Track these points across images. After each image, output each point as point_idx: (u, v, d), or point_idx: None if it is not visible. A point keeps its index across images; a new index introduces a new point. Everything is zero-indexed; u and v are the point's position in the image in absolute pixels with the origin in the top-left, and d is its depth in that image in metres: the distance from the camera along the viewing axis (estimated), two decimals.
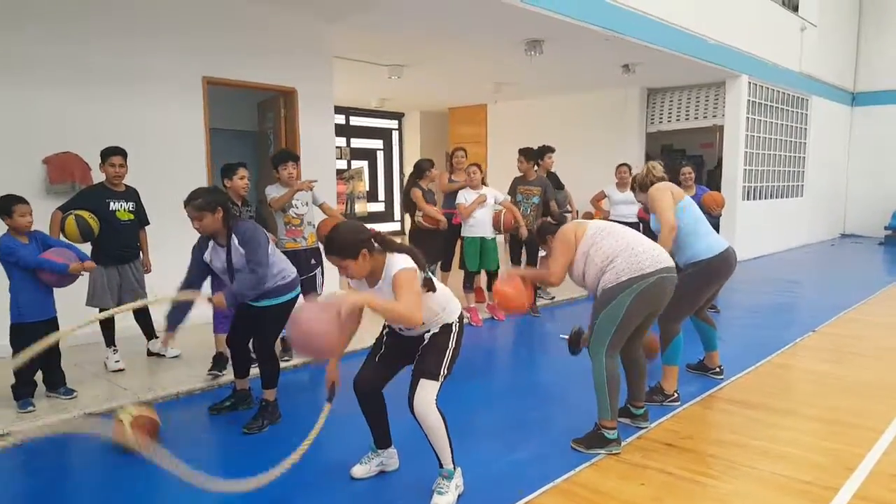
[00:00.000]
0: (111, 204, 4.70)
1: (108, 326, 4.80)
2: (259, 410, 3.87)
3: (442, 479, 2.91)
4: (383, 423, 3.16)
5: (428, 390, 2.82)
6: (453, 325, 2.95)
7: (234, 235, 3.64)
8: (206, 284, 3.87)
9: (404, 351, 3.02)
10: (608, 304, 3.38)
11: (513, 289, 3.58)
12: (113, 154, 4.68)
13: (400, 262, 2.76)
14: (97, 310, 4.69)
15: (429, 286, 2.81)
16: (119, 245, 4.73)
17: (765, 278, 9.47)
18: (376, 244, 2.79)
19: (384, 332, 3.13)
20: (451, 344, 2.92)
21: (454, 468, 2.93)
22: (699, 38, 9.33)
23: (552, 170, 7.64)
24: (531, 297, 3.74)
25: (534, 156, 7.29)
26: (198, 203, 3.51)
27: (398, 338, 3.06)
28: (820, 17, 12.85)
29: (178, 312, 3.56)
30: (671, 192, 4.15)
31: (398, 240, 2.91)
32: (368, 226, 2.83)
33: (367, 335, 3.23)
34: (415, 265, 2.77)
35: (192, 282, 3.72)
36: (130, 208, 4.81)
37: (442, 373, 2.86)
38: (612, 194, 7.65)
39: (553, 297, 7.41)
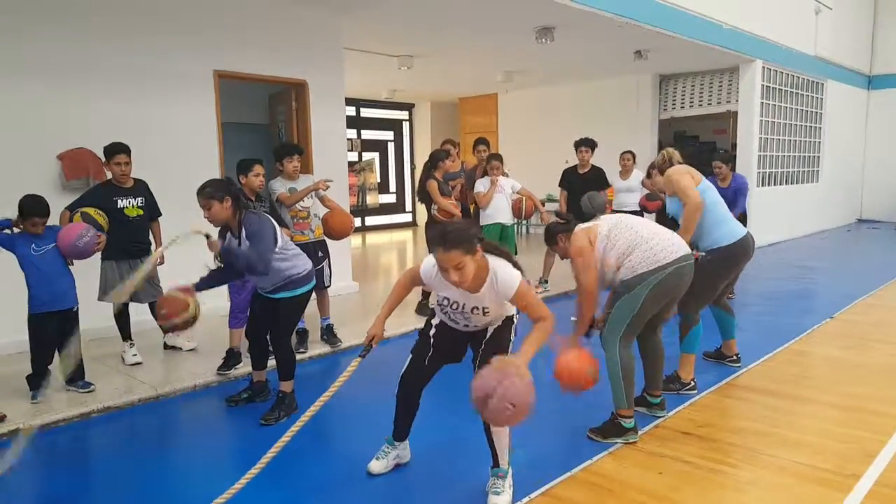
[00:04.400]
0: (119, 201, 4.72)
1: (123, 320, 4.84)
2: (276, 402, 3.90)
3: (497, 479, 2.85)
4: (411, 419, 3.16)
5: None
6: (514, 317, 2.92)
7: (243, 228, 3.68)
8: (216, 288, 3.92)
9: (453, 350, 3.01)
10: (624, 296, 3.36)
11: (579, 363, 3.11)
12: (117, 153, 4.66)
13: (508, 270, 2.68)
14: (110, 304, 4.73)
15: None
16: (128, 240, 4.76)
17: (780, 265, 9.39)
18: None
19: (431, 334, 3.02)
20: (512, 338, 2.89)
21: (509, 468, 2.89)
22: (712, 23, 9.21)
23: (593, 163, 7.37)
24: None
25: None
26: (206, 192, 3.63)
27: (451, 334, 2.97)
28: None
29: (210, 281, 3.71)
30: (690, 174, 4.11)
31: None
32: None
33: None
34: (517, 270, 2.72)
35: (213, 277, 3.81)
36: (139, 203, 4.83)
37: None
38: (613, 182, 7.53)
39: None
